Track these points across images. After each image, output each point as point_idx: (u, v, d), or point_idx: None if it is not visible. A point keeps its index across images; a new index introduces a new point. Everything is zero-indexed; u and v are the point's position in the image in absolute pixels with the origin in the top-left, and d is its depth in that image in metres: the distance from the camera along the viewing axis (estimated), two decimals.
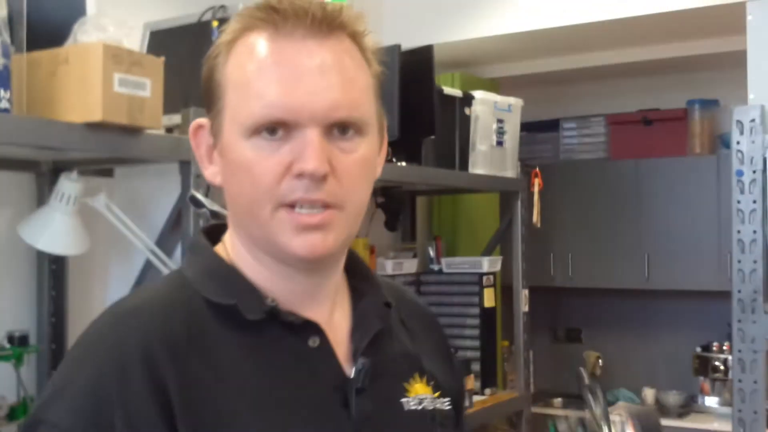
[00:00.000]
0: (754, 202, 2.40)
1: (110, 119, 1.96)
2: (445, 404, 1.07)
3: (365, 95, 0.95)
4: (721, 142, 4.35)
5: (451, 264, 3.64)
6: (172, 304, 0.94)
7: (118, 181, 2.49)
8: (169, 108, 2.18)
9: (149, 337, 0.89)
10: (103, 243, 2.43)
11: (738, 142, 2.43)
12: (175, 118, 2.32)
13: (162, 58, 2.13)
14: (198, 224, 2.27)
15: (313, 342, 0.95)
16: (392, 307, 1.05)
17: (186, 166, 2.26)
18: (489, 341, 3.56)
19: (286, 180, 0.90)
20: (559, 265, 4.43)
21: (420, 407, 1.03)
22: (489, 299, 3.54)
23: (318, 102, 0.90)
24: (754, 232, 2.40)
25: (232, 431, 0.88)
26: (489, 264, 3.56)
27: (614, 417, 0.95)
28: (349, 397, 0.95)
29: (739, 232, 2.43)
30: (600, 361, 4.51)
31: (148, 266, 2.39)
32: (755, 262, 2.40)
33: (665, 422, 4.05)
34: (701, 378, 4.21)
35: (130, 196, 2.45)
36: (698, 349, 4.20)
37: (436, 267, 3.71)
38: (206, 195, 2.29)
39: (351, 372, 0.97)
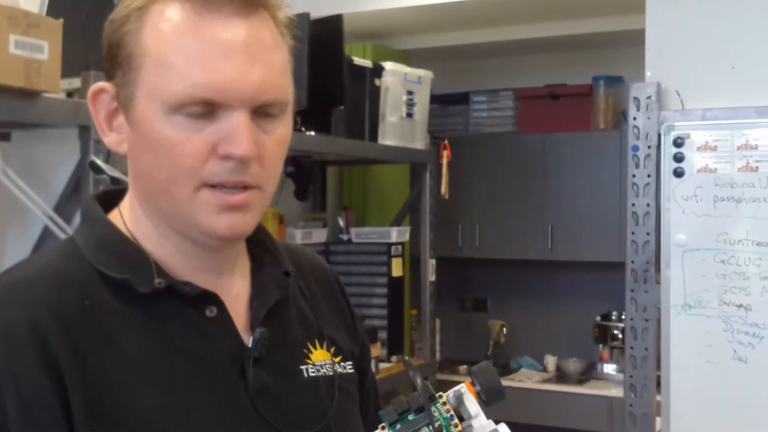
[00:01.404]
0: (649, 176, 2.49)
1: (5, 82, 1.91)
2: (347, 368, 1.07)
3: (286, 75, 0.93)
4: (624, 118, 4.47)
5: (360, 234, 3.67)
6: (63, 275, 0.91)
7: (15, 146, 2.42)
8: (68, 72, 2.13)
9: (37, 309, 0.86)
10: None
11: (635, 118, 2.51)
12: (75, 82, 2.26)
13: (61, 21, 2.08)
14: (98, 190, 2.23)
15: (210, 312, 0.94)
16: (292, 275, 1.04)
17: (86, 131, 2.21)
18: (396, 310, 3.61)
19: (211, 161, 0.88)
20: (467, 236, 4.51)
21: (319, 374, 1.02)
22: (397, 269, 3.59)
23: (247, 84, 0.87)
24: (648, 205, 2.49)
25: (126, 405, 0.86)
26: (397, 234, 3.60)
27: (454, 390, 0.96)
28: (246, 367, 0.94)
29: (633, 205, 2.51)
30: (504, 329, 4.62)
31: (46, 233, 2.34)
32: (648, 234, 2.49)
33: (567, 389, 4.20)
34: (600, 346, 4.36)
35: (28, 161, 2.38)
36: (598, 318, 4.34)
37: (345, 237, 3.74)
38: (106, 161, 2.26)
39: (249, 342, 0.96)
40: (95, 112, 0.95)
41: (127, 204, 0.98)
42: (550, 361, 4.50)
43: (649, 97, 2.48)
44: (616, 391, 4.06)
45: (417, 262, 3.85)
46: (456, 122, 4.76)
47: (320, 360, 1.04)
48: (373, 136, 3.36)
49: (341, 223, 3.82)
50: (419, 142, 3.63)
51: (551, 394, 4.21)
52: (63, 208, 2.30)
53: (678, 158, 2.43)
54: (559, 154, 4.39)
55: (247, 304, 1.00)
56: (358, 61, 3.30)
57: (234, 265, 1.01)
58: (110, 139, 0.95)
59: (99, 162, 2.23)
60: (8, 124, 2.30)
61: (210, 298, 0.94)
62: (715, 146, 2.38)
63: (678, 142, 2.43)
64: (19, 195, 2.21)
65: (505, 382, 4.31)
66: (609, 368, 4.35)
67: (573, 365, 4.41)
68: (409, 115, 3.54)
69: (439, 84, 3.84)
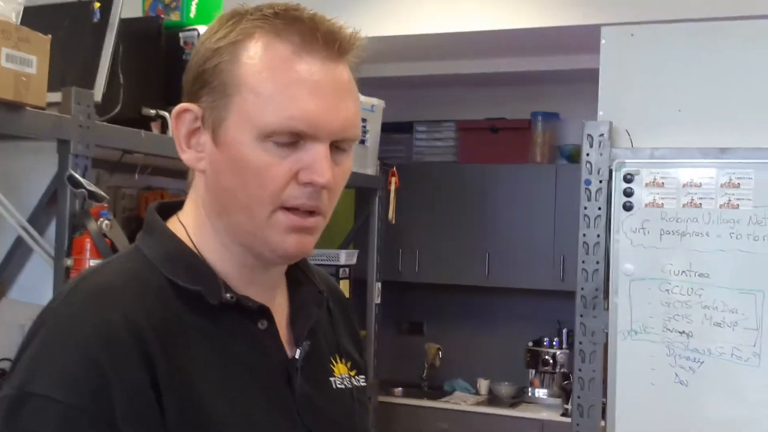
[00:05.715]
0: (599, 209, 2.65)
1: None
2: (360, 381, 1.17)
3: (360, 116, 1.03)
4: (560, 153, 4.69)
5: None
6: (144, 283, 0.97)
7: None
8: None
9: (133, 313, 0.92)
10: None
11: (588, 154, 2.67)
12: (53, 96, 2.29)
13: (49, 36, 2.12)
14: (74, 203, 2.26)
15: (262, 324, 1.02)
16: (324, 294, 1.13)
17: (65, 144, 2.25)
18: None
19: (291, 186, 0.96)
20: (408, 261, 4.62)
21: (343, 386, 1.12)
22: (344, 291, 3.66)
23: (335, 120, 0.97)
24: (598, 236, 2.65)
25: (206, 412, 0.93)
26: (346, 257, 3.69)
27: None
28: (293, 376, 1.03)
29: (584, 235, 2.67)
30: (440, 353, 4.74)
31: (18, 242, 2.35)
32: (598, 263, 2.65)
33: (499, 411, 4.34)
34: (532, 371, 4.53)
35: (2, 172, 2.39)
36: (530, 344, 4.51)
37: None
38: (83, 175, 2.29)
39: (291, 353, 1.04)
40: (176, 129, 1.01)
41: (191, 217, 1.04)
42: (483, 384, 4.64)
43: (601, 135, 2.65)
44: (547, 414, 4.22)
45: (361, 284, 3.94)
46: (399, 150, 4.89)
47: (342, 373, 1.13)
48: None
49: None
50: (370, 168, 3.74)
51: (485, 417, 4.34)
52: (37, 218, 2.32)
53: (627, 193, 2.59)
54: (497, 185, 4.56)
55: (287, 318, 1.08)
56: None
57: (280, 281, 1.09)
58: (188, 156, 1.01)
59: (77, 176, 2.26)
60: None
61: (263, 312, 1.02)
62: (662, 183, 2.56)
63: (628, 178, 2.60)
64: None
65: (440, 404, 4.44)
66: (540, 392, 4.51)
67: (505, 389, 4.56)
68: (362, 141, 3.65)
69: (384, 112, 3.97)
